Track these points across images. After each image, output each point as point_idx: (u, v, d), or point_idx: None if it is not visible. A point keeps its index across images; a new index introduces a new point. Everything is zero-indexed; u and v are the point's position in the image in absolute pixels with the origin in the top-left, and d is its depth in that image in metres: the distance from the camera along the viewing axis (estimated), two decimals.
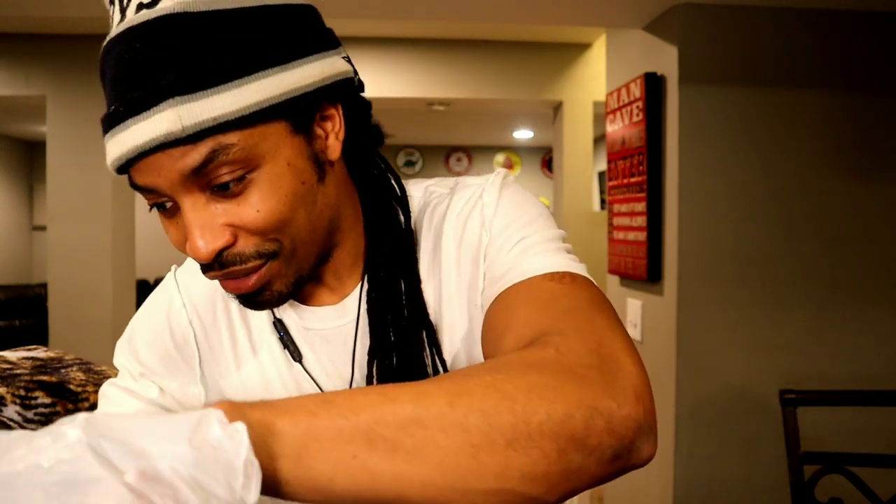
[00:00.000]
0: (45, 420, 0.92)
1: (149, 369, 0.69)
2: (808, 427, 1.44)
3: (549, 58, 3.40)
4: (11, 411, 0.90)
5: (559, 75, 3.42)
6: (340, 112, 0.61)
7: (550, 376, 0.43)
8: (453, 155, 7.64)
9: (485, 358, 0.59)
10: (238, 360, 0.70)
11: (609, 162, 2.29)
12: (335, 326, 0.67)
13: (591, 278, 0.59)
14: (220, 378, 0.70)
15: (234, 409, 0.37)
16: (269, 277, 0.57)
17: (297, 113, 0.56)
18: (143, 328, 0.71)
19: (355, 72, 0.63)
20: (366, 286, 0.66)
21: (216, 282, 0.70)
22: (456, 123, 5.78)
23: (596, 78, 3.39)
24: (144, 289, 5.92)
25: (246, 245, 0.55)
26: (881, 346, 1.97)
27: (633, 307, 2.18)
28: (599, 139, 5.45)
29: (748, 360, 1.93)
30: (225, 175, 0.52)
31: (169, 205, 0.55)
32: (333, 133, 0.60)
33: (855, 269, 1.96)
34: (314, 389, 0.67)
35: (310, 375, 0.67)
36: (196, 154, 0.51)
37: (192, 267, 0.73)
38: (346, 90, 0.62)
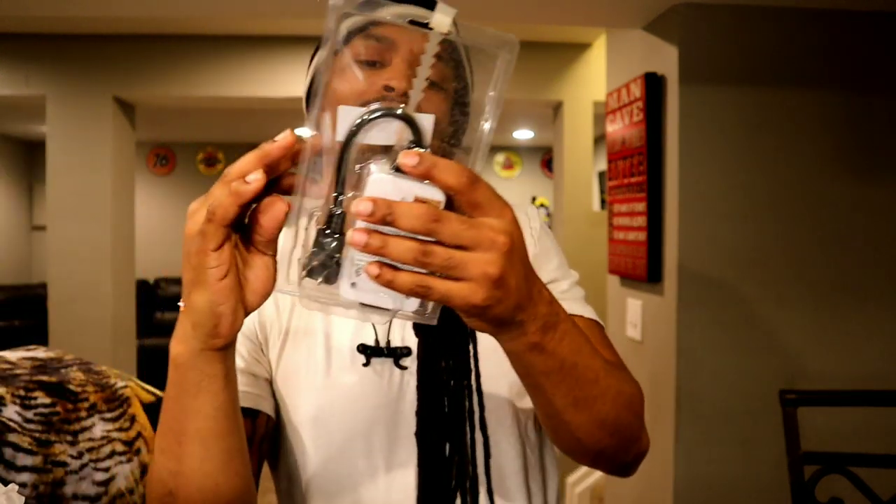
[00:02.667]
0: (45, 420, 0.92)
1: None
2: (808, 427, 1.44)
3: (549, 58, 3.40)
4: (11, 411, 0.90)
5: (559, 75, 3.42)
6: None
7: (630, 381, 0.71)
8: None
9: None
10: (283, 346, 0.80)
11: (609, 162, 2.29)
12: None
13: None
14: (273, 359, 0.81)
15: None
16: None
17: None
18: None
19: None
20: None
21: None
22: None
23: (596, 78, 3.38)
24: (144, 289, 5.92)
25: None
26: (881, 346, 1.97)
27: (633, 307, 2.18)
28: (599, 139, 5.44)
29: (748, 360, 1.93)
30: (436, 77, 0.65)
31: (377, 64, 0.66)
32: None
33: (855, 268, 1.96)
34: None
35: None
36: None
37: None
38: None
